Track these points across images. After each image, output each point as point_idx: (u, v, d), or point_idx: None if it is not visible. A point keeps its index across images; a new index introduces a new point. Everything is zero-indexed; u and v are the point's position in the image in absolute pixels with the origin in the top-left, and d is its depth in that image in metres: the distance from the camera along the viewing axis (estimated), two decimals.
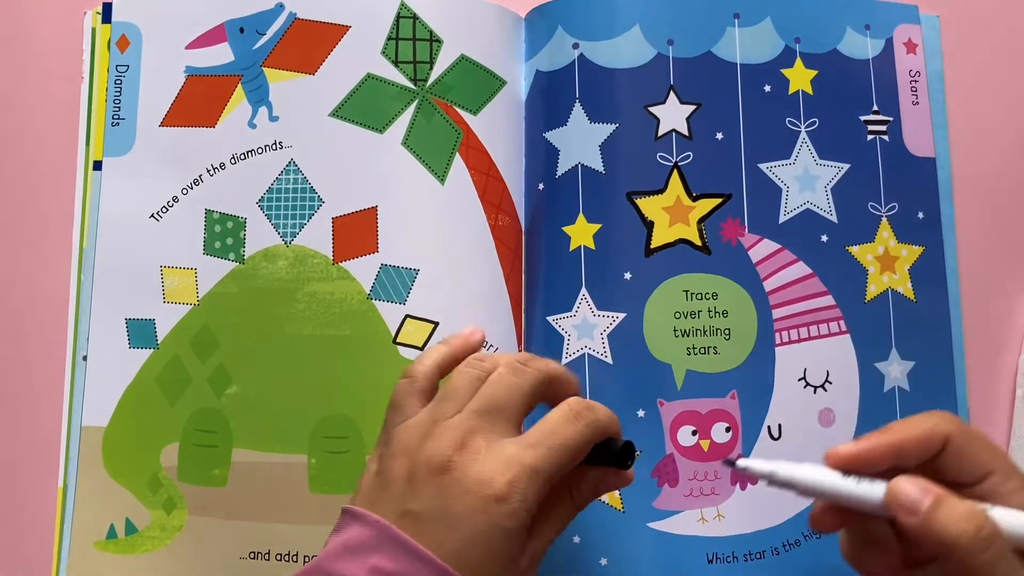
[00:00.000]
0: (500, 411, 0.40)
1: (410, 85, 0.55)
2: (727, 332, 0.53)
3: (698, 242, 0.54)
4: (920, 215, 0.56)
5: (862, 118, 0.56)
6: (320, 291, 0.54)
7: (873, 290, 0.55)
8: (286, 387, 0.53)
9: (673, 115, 0.55)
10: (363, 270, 0.54)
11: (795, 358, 0.54)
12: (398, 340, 0.53)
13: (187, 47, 0.57)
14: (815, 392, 0.54)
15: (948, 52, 0.58)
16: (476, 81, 0.56)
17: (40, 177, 0.58)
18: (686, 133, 0.55)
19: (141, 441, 0.54)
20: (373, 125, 0.55)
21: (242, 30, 0.57)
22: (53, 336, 0.56)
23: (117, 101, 0.57)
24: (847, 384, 0.54)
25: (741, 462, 0.38)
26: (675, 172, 0.55)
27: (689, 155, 0.55)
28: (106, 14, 0.58)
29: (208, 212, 0.55)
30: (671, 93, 0.55)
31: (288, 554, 0.52)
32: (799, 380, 0.54)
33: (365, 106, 0.55)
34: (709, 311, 0.53)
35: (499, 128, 0.56)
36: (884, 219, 0.55)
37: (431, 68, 0.56)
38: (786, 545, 0.52)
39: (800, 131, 0.56)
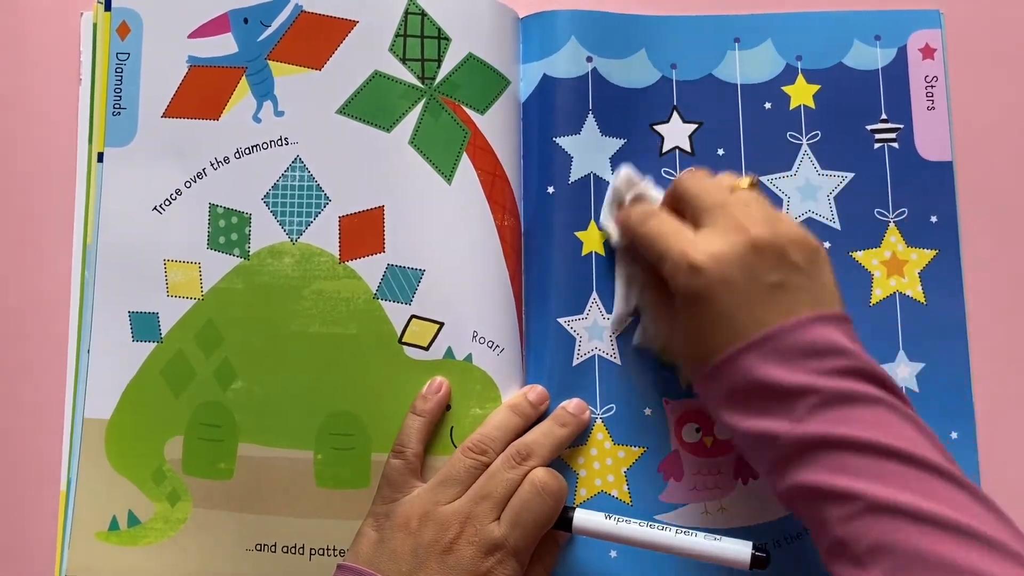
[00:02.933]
0: (492, 500, 0.48)
1: (418, 83, 0.54)
2: None
3: None
4: (933, 219, 0.56)
5: (869, 127, 0.56)
6: (326, 289, 0.54)
7: (879, 293, 0.55)
8: (292, 384, 0.53)
9: (676, 133, 0.56)
10: (369, 270, 0.53)
11: None
12: (403, 340, 0.53)
13: (189, 36, 0.56)
14: None
15: (952, 53, 0.58)
16: (483, 80, 0.55)
17: (40, 172, 0.58)
18: (688, 150, 0.56)
19: (145, 434, 0.54)
20: (380, 124, 0.54)
21: (246, 20, 0.56)
22: (56, 329, 0.56)
23: (118, 90, 0.56)
24: None
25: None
26: None
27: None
28: (108, 1, 0.56)
29: (212, 206, 0.55)
30: (674, 113, 0.57)
31: (295, 546, 0.53)
32: None
33: (373, 104, 0.54)
34: None
35: (505, 128, 0.56)
36: (892, 224, 0.56)
37: (439, 66, 0.55)
38: (788, 538, 0.53)
39: (801, 143, 0.56)
